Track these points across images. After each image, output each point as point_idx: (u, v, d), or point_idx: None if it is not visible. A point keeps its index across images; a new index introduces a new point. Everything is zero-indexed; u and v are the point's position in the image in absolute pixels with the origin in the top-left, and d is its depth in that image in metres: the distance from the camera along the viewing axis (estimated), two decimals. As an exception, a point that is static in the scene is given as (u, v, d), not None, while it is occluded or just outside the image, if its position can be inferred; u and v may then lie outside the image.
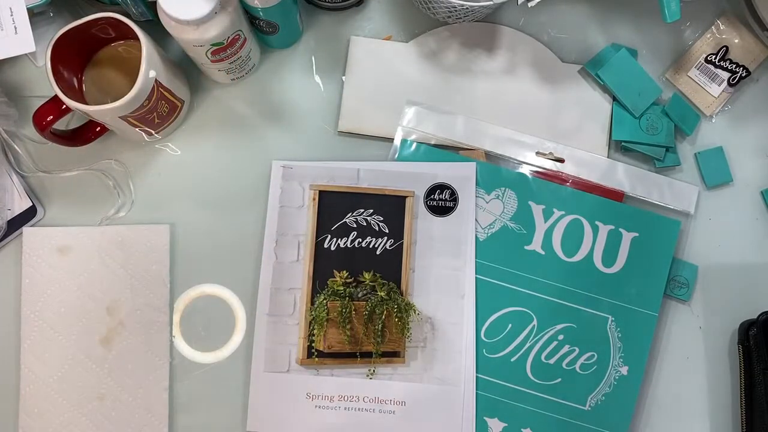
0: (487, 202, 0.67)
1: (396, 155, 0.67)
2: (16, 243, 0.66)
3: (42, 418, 0.63)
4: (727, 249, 0.69)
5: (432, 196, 0.66)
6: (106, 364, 0.64)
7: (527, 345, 0.65)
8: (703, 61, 0.70)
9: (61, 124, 0.61)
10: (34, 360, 0.63)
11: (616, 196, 0.67)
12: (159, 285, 0.65)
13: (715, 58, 0.70)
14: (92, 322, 0.64)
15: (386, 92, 0.68)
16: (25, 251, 0.65)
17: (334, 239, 0.66)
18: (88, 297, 0.64)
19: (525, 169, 0.68)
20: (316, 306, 0.65)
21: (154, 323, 0.65)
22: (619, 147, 0.69)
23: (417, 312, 0.65)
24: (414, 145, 0.67)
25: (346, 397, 0.64)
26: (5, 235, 0.65)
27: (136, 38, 0.57)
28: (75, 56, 0.61)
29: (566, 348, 0.65)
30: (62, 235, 0.65)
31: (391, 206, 0.66)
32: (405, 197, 0.66)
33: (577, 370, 0.65)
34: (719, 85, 0.70)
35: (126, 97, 0.56)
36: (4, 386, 0.64)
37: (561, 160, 0.68)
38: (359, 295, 0.65)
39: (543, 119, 0.69)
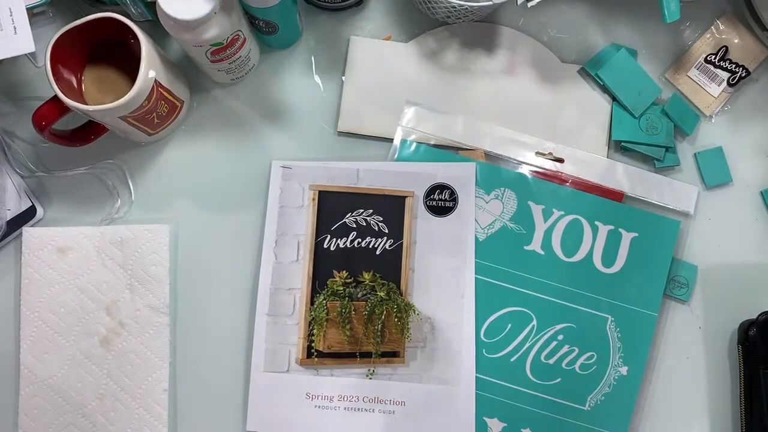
0: (486, 202, 0.67)
1: (396, 155, 0.67)
2: (15, 243, 0.66)
3: (42, 419, 0.63)
4: (727, 249, 0.69)
5: (432, 196, 0.66)
6: (105, 364, 0.64)
7: (527, 345, 0.65)
8: (702, 61, 0.70)
9: (61, 124, 0.61)
10: (33, 360, 0.64)
11: (616, 196, 0.67)
12: (159, 285, 0.65)
13: (715, 58, 0.70)
14: (92, 323, 0.64)
15: (386, 92, 0.68)
16: (24, 252, 0.65)
17: (334, 239, 0.66)
18: (87, 297, 0.64)
19: (525, 169, 0.68)
20: (315, 306, 0.65)
21: (154, 324, 0.65)
22: (619, 147, 0.69)
23: (417, 312, 0.65)
24: (414, 145, 0.67)
25: (346, 397, 0.64)
26: (5, 235, 0.65)
27: (136, 38, 0.57)
28: (75, 56, 0.61)
29: (566, 348, 0.65)
30: (62, 236, 0.65)
31: (391, 206, 0.66)
32: (405, 197, 0.66)
33: (577, 370, 0.65)
34: (719, 85, 0.70)
35: (126, 97, 0.56)
36: (3, 387, 0.64)
37: (561, 160, 0.68)
38: (359, 295, 0.65)
39: (543, 119, 0.69)
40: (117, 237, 0.65)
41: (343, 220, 0.66)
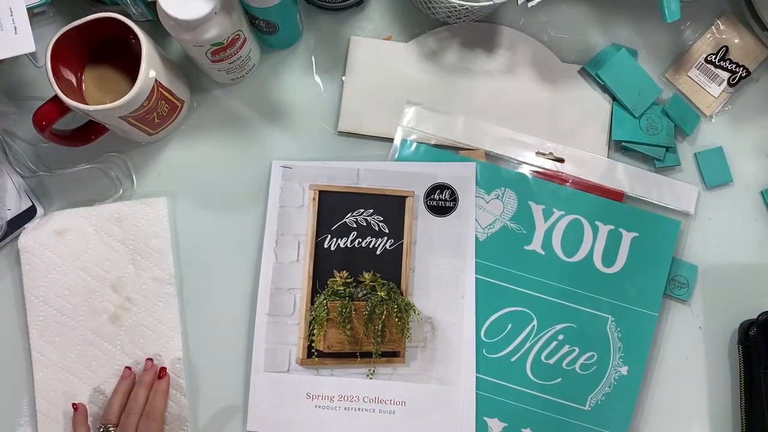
0: (487, 202, 0.67)
1: (396, 155, 0.67)
2: (16, 242, 0.66)
3: (60, 400, 0.63)
4: (727, 249, 0.69)
5: (432, 196, 0.66)
6: (117, 340, 0.64)
7: (527, 345, 0.65)
8: (703, 61, 0.70)
9: (61, 124, 0.61)
10: (44, 344, 0.64)
11: (616, 196, 0.67)
12: (162, 257, 0.65)
13: (715, 58, 0.70)
14: (98, 301, 0.64)
15: (386, 92, 0.68)
16: (21, 238, 0.64)
17: (334, 239, 0.66)
18: (91, 276, 0.65)
19: (525, 169, 0.68)
20: (316, 306, 0.65)
21: (162, 295, 0.65)
22: (619, 147, 0.69)
23: (417, 312, 0.65)
24: (414, 145, 0.67)
25: (346, 397, 0.64)
26: (5, 235, 0.65)
27: (136, 38, 0.57)
28: (75, 56, 0.61)
29: (566, 348, 0.65)
30: (58, 218, 0.65)
31: (391, 206, 0.66)
32: (405, 197, 0.66)
33: (577, 370, 0.65)
34: (719, 85, 0.70)
35: (126, 97, 0.56)
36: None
37: (561, 160, 0.68)
38: (359, 295, 0.65)
39: (543, 119, 0.69)
40: (114, 214, 0.65)
41: (344, 220, 0.66)
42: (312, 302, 0.65)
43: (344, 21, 0.70)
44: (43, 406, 0.63)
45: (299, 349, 0.64)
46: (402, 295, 0.65)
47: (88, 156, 0.67)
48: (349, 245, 0.66)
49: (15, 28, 0.58)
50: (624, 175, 0.68)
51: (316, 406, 0.64)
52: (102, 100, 0.61)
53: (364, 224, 0.66)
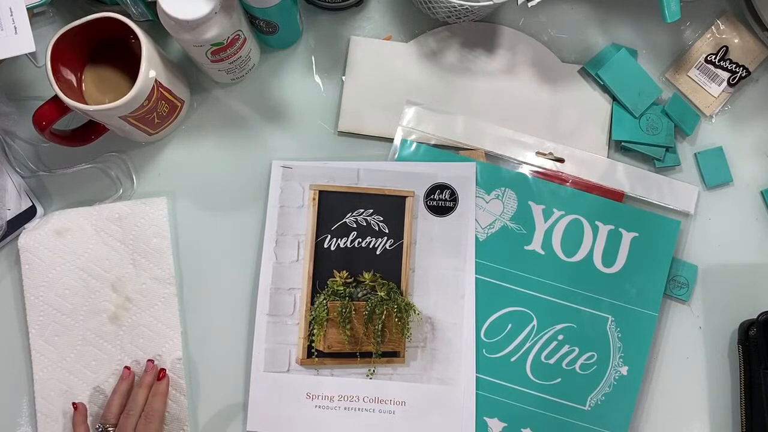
0: (487, 202, 0.67)
1: (396, 155, 0.67)
2: (16, 242, 0.66)
3: (59, 400, 0.63)
4: (727, 249, 0.69)
5: (432, 196, 0.66)
6: (117, 340, 0.64)
7: (527, 345, 0.65)
8: (703, 61, 0.70)
9: (61, 124, 0.61)
10: (44, 344, 0.64)
11: (616, 196, 0.67)
12: (162, 257, 0.65)
13: (715, 58, 0.70)
14: (98, 301, 0.64)
15: (386, 92, 0.68)
16: (21, 238, 0.64)
17: (334, 239, 0.66)
18: (91, 276, 0.65)
19: (525, 169, 0.68)
20: (316, 306, 0.65)
21: (161, 295, 0.65)
22: (619, 147, 0.69)
23: (417, 312, 0.65)
24: (414, 145, 0.67)
25: (346, 397, 0.64)
26: (5, 235, 0.65)
27: (136, 38, 0.57)
28: (75, 56, 0.61)
29: (566, 348, 0.65)
30: (58, 218, 0.65)
31: (391, 206, 0.66)
32: (405, 197, 0.66)
33: (577, 370, 0.65)
34: (719, 85, 0.70)
35: (126, 97, 0.56)
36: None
37: (561, 160, 0.68)
38: (359, 295, 0.65)
39: (543, 119, 0.69)
40: (114, 213, 0.65)
41: (344, 220, 0.66)
42: (312, 302, 0.65)
43: (344, 21, 0.70)
44: (43, 405, 0.63)
45: (299, 349, 0.64)
46: (402, 295, 0.65)
47: (88, 156, 0.67)
48: (349, 245, 0.66)
49: (15, 28, 0.58)
50: (624, 175, 0.68)
51: (316, 406, 0.64)
52: (102, 100, 0.61)
53: (364, 224, 0.66)
